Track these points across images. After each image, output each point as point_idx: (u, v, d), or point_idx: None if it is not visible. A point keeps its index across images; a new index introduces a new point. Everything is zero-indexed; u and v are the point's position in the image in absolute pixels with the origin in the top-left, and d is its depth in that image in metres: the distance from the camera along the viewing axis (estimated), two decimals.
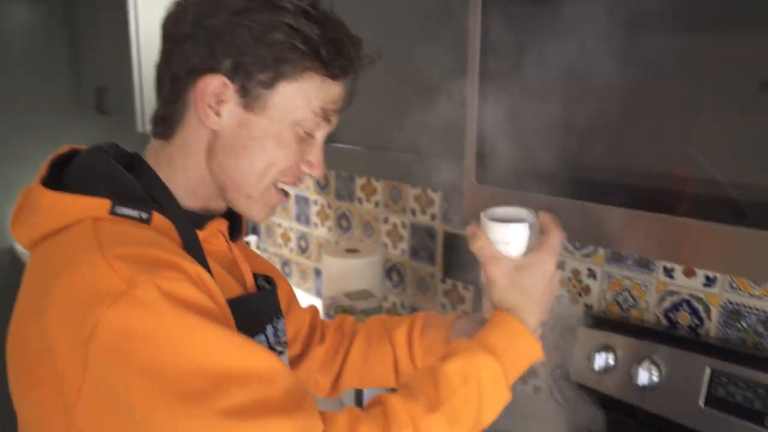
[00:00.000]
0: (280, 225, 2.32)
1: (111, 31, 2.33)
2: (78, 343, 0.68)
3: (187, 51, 0.81)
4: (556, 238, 0.83)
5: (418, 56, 1.17)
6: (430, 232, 1.73)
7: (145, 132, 2.19)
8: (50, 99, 2.96)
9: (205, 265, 0.81)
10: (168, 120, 0.86)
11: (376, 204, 1.88)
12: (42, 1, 2.83)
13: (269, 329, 0.93)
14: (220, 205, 0.90)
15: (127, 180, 0.81)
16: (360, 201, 1.94)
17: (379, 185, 1.86)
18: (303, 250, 2.23)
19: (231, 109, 0.82)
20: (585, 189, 0.85)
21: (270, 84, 0.81)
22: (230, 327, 0.73)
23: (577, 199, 0.86)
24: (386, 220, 1.86)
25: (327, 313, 1.64)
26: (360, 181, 1.93)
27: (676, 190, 0.78)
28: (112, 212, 0.76)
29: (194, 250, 0.81)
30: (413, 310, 1.82)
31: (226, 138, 0.83)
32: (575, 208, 0.87)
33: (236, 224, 0.97)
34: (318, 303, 2.08)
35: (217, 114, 0.82)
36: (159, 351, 0.66)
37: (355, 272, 1.68)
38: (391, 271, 1.87)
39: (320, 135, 0.88)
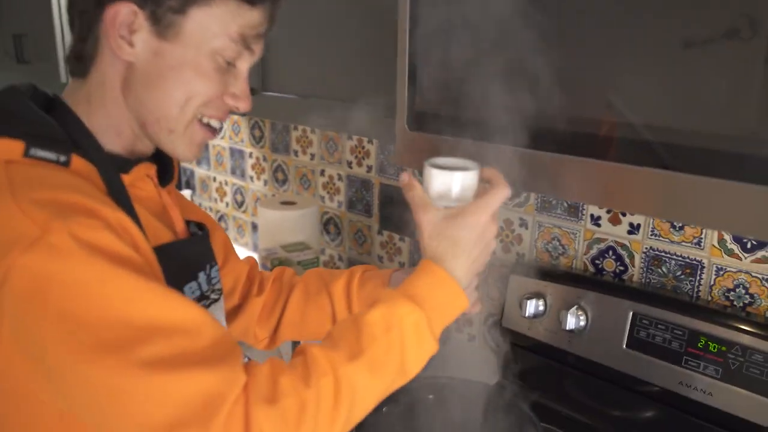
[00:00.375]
0: (214, 179, 2.28)
1: None
2: None
3: None
4: (497, 193, 0.83)
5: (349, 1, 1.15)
6: (366, 184, 1.73)
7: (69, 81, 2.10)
8: None
9: (131, 211, 0.79)
10: (82, 57, 0.83)
11: (312, 156, 1.87)
12: None
13: (202, 276, 0.91)
14: (147, 147, 0.87)
15: (43, 121, 0.77)
16: (296, 153, 1.92)
17: (314, 137, 1.85)
18: (239, 204, 2.20)
19: (144, 39, 0.79)
20: (517, 134, 0.85)
21: (181, 9, 0.79)
22: (153, 277, 0.72)
23: (509, 145, 0.87)
24: (322, 173, 1.85)
25: (263, 265, 1.64)
26: (295, 134, 1.90)
27: (606, 135, 0.79)
28: (27, 155, 0.73)
29: (119, 195, 0.78)
30: (350, 262, 1.83)
31: (141, 69, 0.80)
32: (506, 153, 0.87)
33: (167, 169, 0.94)
34: (255, 257, 2.07)
35: (130, 44, 0.79)
36: (73, 299, 0.65)
37: (292, 224, 1.67)
38: (328, 223, 1.87)
39: (244, 65, 0.85)
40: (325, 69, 1.26)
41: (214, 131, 0.87)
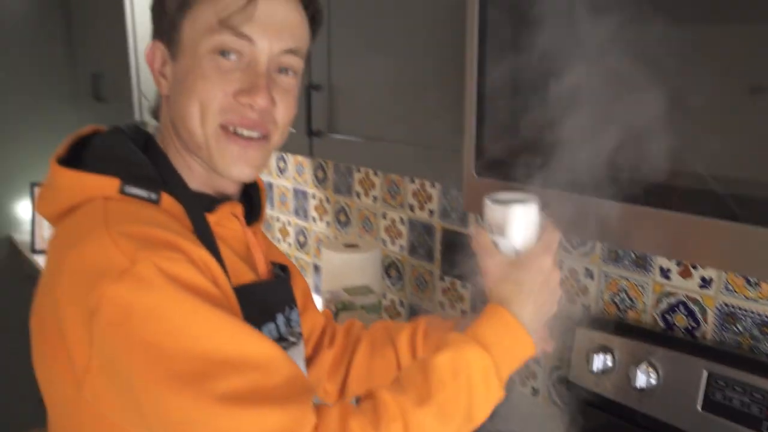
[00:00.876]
0: (278, 219, 2.32)
1: (107, 15, 2.31)
2: (84, 319, 0.69)
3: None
4: (553, 235, 0.83)
5: (416, 46, 1.16)
6: (428, 229, 1.73)
7: (143, 119, 2.18)
8: (46, 87, 2.95)
9: (214, 249, 0.81)
10: (155, 106, 0.92)
11: (375, 199, 1.88)
12: None
13: (280, 318, 0.92)
14: (229, 185, 0.89)
15: (140, 160, 0.83)
16: (358, 195, 1.94)
17: (377, 180, 1.86)
18: (301, 245, 2.23)
19: (169, 68, 0.85)
20: (587, 184, 0.84)
21: (175, 26, 0.83)
22: (231, 311, 0.74)
23: (577, 193, 0.86)
24: (385, 216, 1.86)
25: (327, 307, 1.64)
26: (358, 176, 1.92)
27: (679, 186, 0.77)
28: (122, 191, 0.79)
29: (203, 233, 0.82)
30: (412, 307, 1.82)
31: (171, 98, 0.86)
32: (575, 202, 0.86)
33: (255, 209, 0.96)
34: (316, 299, 2.08)
35: (165, 77, 0.86)
36: (157, 329, 0.68)
37: (354, 267, 1.68)
38: (390, 267, 1.87)
39: (248, 57, 0.81)
40: (393, 112, 1.27)
41: (249, 140, 0.83)
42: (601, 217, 0.84)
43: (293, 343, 0.95)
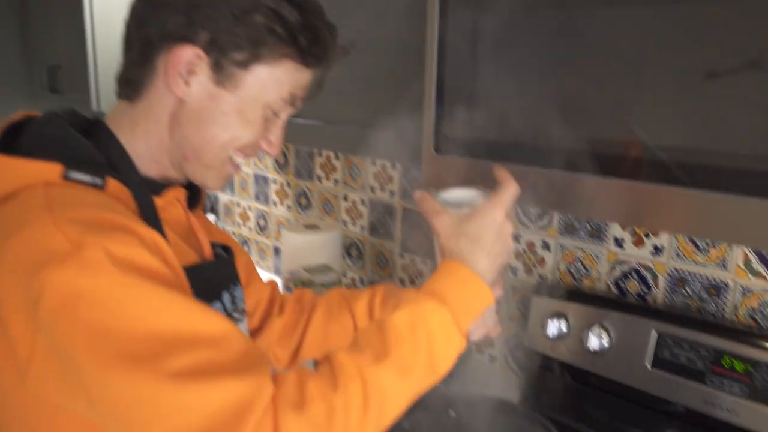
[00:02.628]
0: (238, 204, 2.31)
1: (64, 6, 2.28)
2: (27, 307, 0.67)
3: (163, 16, 0.81)
4: (508, 191, 0.84)
5: (374, 26, 1.19)
6: (389, 209, 1.75)
7: (101, 111, 2.15)
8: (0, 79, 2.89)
9: (161, 232, 0.81)
10: (134, 82, 0.86)
11: (336, 182, 1.90)
12: None
13: (226, 296, 0.93)
14: (179, 175, 0.90)
15: (81, 144, 0.80)
16: (319, 179, 1.95)
17: (338, 163, 1.88)
18: (262, 229, 2.23)
19: (201, 82, 0.83)
20: (544, 156, 0.87)
21: (245, 64, 0.82)
22: (183, 291, 0.73)
23: (536, 166, 0.89)
24: (346, 198, 1.88)
25: (287, 287, 1.65)
26: (319, 160, 1.94)
27: (631, 155, 0.81)
28: (65, 177, 0.76)
29: (150, 217, 0.81)
30: (372, 284, 1.83)
31: (193, 108, 0.84)
32: (535, 175, 0.89)
33: (195, 194, 0.97)
34: (278, 280, 2.09)
35: (187, 84, 0.82)
36: (106, 313, 0.66)
37: (315, 248, 1.69)
38: (350, 247, 1.89)
39: (284, 116, 0.90)
40: (350, 94, 1.29)
41: (239, 167, 0.92)
42: (558, 189, 0.87)
43: (237, 320, 0.96)
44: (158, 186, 0.87)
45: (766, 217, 0.70)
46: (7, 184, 0.76)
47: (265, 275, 2.15)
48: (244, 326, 0.99)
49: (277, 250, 2.17)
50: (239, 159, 0.89)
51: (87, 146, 0.81)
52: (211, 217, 2.28)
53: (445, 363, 0.76)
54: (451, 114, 1.00)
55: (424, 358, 0.74)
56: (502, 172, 0.86)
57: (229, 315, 0.93)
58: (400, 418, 0.76)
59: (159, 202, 0.85)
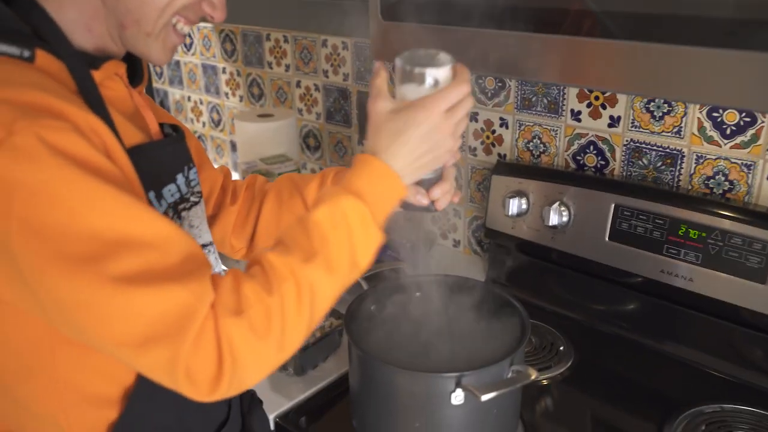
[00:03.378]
0: (189, 98, 2.23)
1: None
2: None
3: None
4: (454, 87, 0.78)
5: None
6: (343, 93, 1.69)
7: None
8: None
9: (103, 110, 0.75)
10: None
11: (287, 67, 1.82)
12: None
13: (180, 178, 0.89)
14: (118, 48, 0.82)
15: (1, 12, 0.72)
16: (270, 65, 1.87)
17: (288, 47, 1.79)
18: (216, 123, 2.16)
19: None
20: (492, 17, 0.83)
21: None
22: (124, 187, 0.68)
23: (486, 27, 0.84)
24: (299, 84, 1.81)
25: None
26: (268, 44, 1.85)
27: (583, 10, 0.77)
28: None
29: (89, 93, 0.74)
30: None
31: None
32: (485, 37, 0.85)
33: (136, 70, 0.89)
34: (235, 176, 2.05)
35: None
36: (43, 208, 0.62)
37: (270, 137, 1.65)
38: (308, 137, 1.84)
39: None
40: None
41: (184, 37, 0.84)
42: (511, 51, 0.83)
43: (195, 203, 0.92)
44: (95, 59, 0.79)
45: (726, 69, 0.68)
46: None
47: None
48: (202, 209, 0.96)
49: (233, 145, 2.12)
50: (184, 27, 0.82)
51: (8, 15, 0.72)
52: None
53: (365, 258, 0.76)
54: None
55: (347, 253, 0.74)
56: (460, 69, 0.81)
57: (185, 198, 0.90)
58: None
59: (97, 76, 0.78)
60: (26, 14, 0.74)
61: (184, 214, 0.90)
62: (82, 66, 0.75)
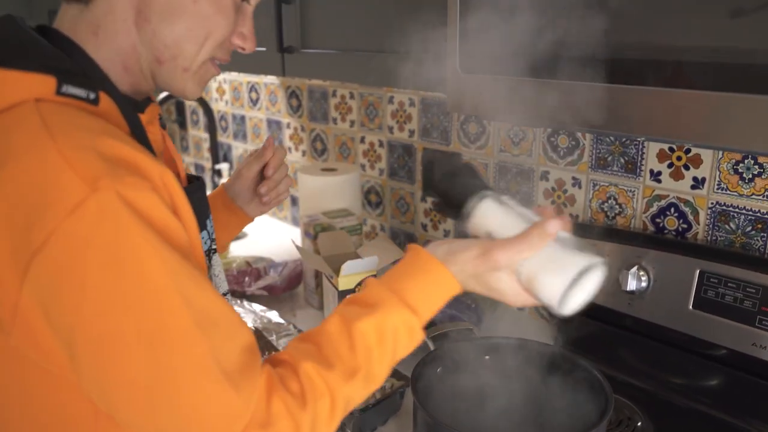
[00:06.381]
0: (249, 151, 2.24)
1: None
2: (20, 253, 0.58)
3: None
4: (519, 245, 0.72)
5: None
6: (408, 150, 1.67)
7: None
8: None
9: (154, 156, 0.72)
10: None
11: (352, 123, 1.82)
12: None
13: (209, 224, 0.87)
14: (150, 86, 0.80)
15: (59, 54, 0.69)
16: (335, 121, 1.87)
17: (353, 103, 1.79)
18: None
19: None
20: (576, 68, 0.79)
21: None
22: (189, 250, 0.66)
23: (570, 79, 0.80)
24: (363, 140, 1.80)
25: (306, 233, 1.59)
26: (334, 101, 1.85)
27: (666, 60, 0.72)
28: (59, 92, 0.66)
29: (141, 139, 0.73)
30: (393, 231, 1.77)
31: (163, 6, 0.74)
32: (570, 89, 0.81)
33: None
34: (296, 232, 2.03)
35: None
36: (113, 275, 0.58)
37: (332, 191, 1.63)
38: (369, 193, 1.82)
39: (253, 2, 0.82)
40: (369, 20, 1.20)
41: (219, 70, 0.84)
42: (588, 102, 0.79)
43: (215, 250, 0.90)
44: (138, 102, 0.78)
45: None
46: None
47: (283, 227, 2.10)
48: (217, 257, 0.93)
49: (294, 200, 2.11)
50: (220, 61, 0.82)
51: (64, 57, 0.70)
52: (224, 165, 2.22)
53: (404, 355, 0.74)
54: (477, 28, 0.91)
55: (389, 364, 0.73)
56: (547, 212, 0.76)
57: (212, 246, 0.89)
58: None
59: (144, 118, 0.77)
60: (72, 57, 0.72)
61: (213, 261, 0.88)
62: (132, 110, 0.74)
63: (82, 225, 0.57)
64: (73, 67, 0.70)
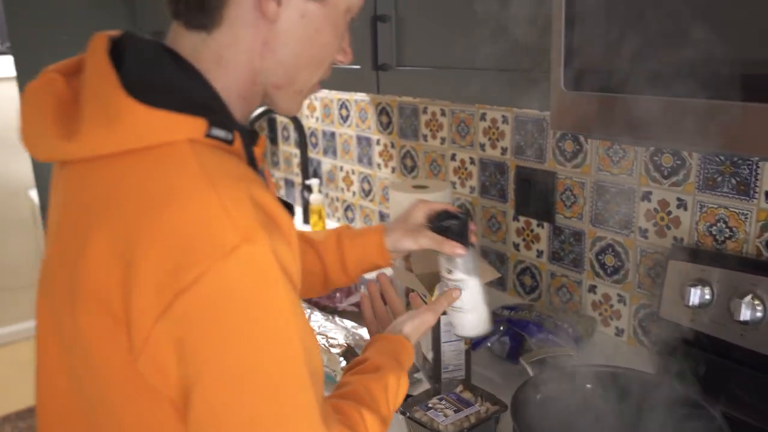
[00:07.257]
0: (341, 168, 2.26)
1: None
2: (166, 288, 0.60)
3: None
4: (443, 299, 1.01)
5: None
6: (500, 168, 1.64)
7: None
8: None
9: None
10: (207, 7, 0.72)
11: (443, 140, 1.80)
12: None
13: None
14: (252, 112, 0.83)
15: (201, 90, 0.71)
16: (425, 138, 1.86)
17: (444, 120, 1.78)
18: (366, 193, 2.17)
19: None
20: (688, 84, 0.75)
21: None
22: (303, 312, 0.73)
23: (677, 97, 0.76)
24: (454, 157, 1.78)
25: None
26: (424, 117, 1.85)
27: None
28: (207, 135, 0.67)
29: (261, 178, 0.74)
30: (483, 249, 1.74)
31: (286, 30, 0.75)
32: (676, 106, 0.77)
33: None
34: None
35: (278, 3, 0.73)
36: (251, 323, 0.62)
37: None
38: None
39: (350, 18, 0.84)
40: (465, 37, 1.19)
41: (320, 87, 0.87)
42: (706, 121, 0.75)
43: None
44: (251, 133, 0.78)
45: None
46: (145, 137, 0.65)
47: None
48: None
49: (382, 216, 2.11)
50: (323, 79, 0.84)
51: (205, 93, 0.72)
52: (314, 181, 2.25)
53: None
54: (583, 45, 0.88)
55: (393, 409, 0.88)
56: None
57: None
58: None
59: (257, 151, 0.77)
60: (195, 83, 0.73)
61: None
62: (250, 144, 0.75)
63: (234, 270, 0.60)
64: (214, 104, 0.72)
